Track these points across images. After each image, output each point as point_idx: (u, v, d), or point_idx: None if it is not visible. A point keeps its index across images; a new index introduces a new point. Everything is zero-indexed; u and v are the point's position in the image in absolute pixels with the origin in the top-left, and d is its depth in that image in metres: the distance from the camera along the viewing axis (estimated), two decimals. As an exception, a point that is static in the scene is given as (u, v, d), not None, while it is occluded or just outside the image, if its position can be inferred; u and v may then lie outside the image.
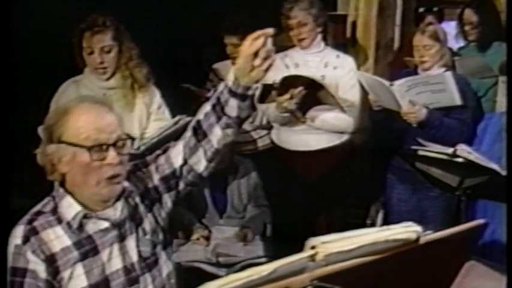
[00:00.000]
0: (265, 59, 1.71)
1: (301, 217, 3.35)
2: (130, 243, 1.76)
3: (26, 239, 1.66)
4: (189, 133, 1.86)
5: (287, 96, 3.11)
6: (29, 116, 3.05)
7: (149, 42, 3.10)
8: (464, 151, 2.65)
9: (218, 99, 1.79)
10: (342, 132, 3.36)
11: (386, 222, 3.61)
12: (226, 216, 3.18)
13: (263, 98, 3.27)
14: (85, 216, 1.71)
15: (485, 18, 3.42)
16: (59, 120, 1.69)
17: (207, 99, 3.32)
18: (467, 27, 3.51)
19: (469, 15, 3.49)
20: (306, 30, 3.27)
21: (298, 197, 3.40)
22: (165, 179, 1.86)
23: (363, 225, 3.78)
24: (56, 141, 1.68)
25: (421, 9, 4.58)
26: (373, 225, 3.76)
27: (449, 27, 3.68)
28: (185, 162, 1.85)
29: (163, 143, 2.63)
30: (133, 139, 1.83)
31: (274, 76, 3.30)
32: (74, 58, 2.78)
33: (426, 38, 3.16)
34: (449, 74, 3.04)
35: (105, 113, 1.71)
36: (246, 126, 3.55)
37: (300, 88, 3.09)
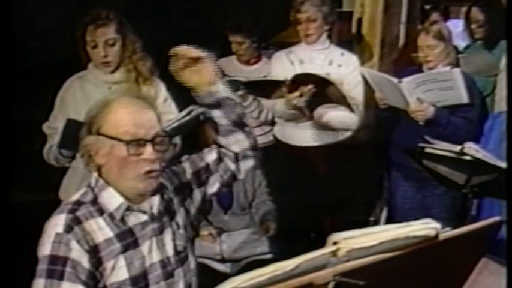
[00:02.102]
0: None
1: (304, 213, 3.36)
2: (167, 236, 1.78)
3: (69, 228, 1.64)
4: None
5: (297, 93, 3.11)
6: (30, 111, 3.05)
7: (154, 37, 3.09)
8: (471, 149, 2.66)
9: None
10: (346, 129, 3.37)
11: (390, 219, 3.62)
12: (231, 213, 3.17)
13: (270, 94, 3.27)
14: (127, 208, 1.72)
15: (492, 16, 3.42)
16: (98, 112, 1.70)
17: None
18: (473, 26, 3.50)
19: (476, 13, 3.48)
20: (314, 27, 3.27)
21: (302, 194, 3.40)
22: (197, 174, 1.90)
23: (367, 223, 3.78)
24: (95, 133, 1.69)
25: (426, 7, 4.59)
26: (376, 222, 3.76)
27: (454, 25, 3.68)
28: (220, 159, 1.92)
29: (175, 133, 2.64)
30: (171, 137, 1.87)
31: (280, 71, 3.32)
32: (76, 53, 2.76)
33: (430, 38, 3.16)
34: (457, 70, 3.04)
35: (145, 108, 1.73)
36: (251, 122, 3.55)
37: (310, 86, 3.09)
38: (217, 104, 1.87)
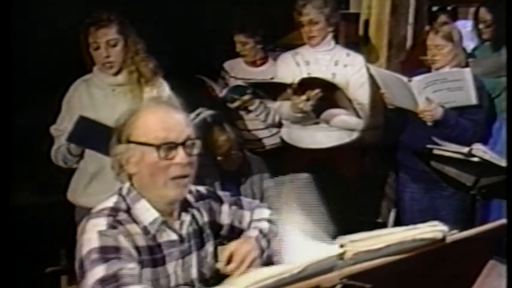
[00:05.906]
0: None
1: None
2: (193, 260, 1.74)
3: (113, 227, 1.58)
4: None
5: (303, 97, 3.11)
6: (38, 113, 3.06)
7: (160, 39, 3.09)
8: (479, 150, 2.65)
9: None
10: (352, 130, 3.36)
11: (398, 221, 3.61)
12: (238, 215, 3.17)
13: (277, 95, 3.27)
14: (161, 223, 1.67)
15: (499, 17, 3.40)
16: (127, 120, 1.67)
17: (219, 96, 3.36)
18: (481, 26, 3.49)
19: (484, 13, 3.46)
20: (317, 29, 3.27)
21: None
22: (232, 229, 1.90)
23: (375, 224, 3.77)
24: (125, 142, 1.66)
25: (434, 8, 4.57)
26: (385, 224, 3.76)
27: (463, 26, 3.67)
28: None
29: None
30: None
31: (286, 72, 3.32)
32: (80, 56, 2.77)
33: (439, 38, 3.15)
34: (468, 70, 3.02)
35: (173, 112, 1.70)
36: (259, 124, 3.55)
37: (317, 90, 3.09)
38: None
